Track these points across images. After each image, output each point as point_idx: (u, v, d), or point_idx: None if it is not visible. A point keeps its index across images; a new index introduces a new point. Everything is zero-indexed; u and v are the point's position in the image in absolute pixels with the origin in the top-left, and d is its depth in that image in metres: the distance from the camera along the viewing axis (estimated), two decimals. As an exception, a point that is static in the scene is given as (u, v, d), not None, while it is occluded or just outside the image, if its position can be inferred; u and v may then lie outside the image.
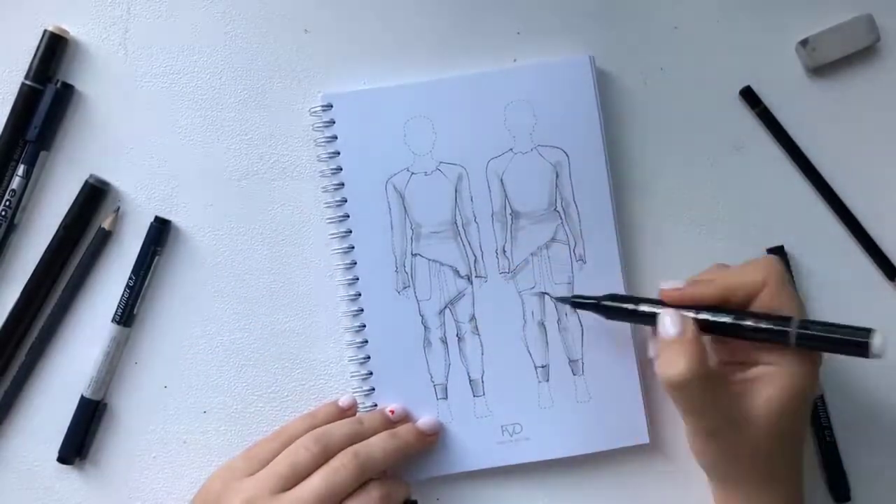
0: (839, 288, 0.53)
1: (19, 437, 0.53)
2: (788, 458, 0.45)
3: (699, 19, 0.54)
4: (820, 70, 0.53)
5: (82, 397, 0.52)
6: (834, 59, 0.53)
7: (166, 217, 0.52)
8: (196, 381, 0.53)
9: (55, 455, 0.52)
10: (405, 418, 0.51)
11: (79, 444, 0.52)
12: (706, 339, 0.45)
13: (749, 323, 0.43)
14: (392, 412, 0.51)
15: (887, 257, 0.53)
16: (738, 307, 0.44)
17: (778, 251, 0.53)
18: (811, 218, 0.53)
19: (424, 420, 0.51)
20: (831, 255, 0.53)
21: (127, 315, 0.52)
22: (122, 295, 0.52)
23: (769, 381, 0.43)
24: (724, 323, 0.44)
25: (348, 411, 0.51)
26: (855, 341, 0.41)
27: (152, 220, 0.52)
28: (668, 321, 0.44)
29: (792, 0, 0.54)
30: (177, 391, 0.52)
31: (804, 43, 0.53)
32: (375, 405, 0.51)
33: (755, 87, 0.53)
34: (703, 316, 0.44)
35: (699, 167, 0.53)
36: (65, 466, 0.52)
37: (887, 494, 0.52)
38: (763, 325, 0.43)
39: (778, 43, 0.54)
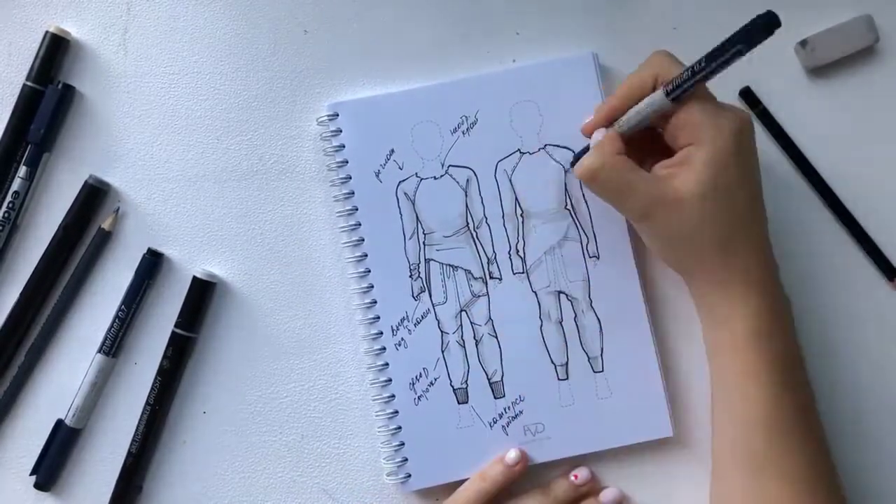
0: (839, 288, 0.53)
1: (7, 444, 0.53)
2: (740, 233, 0.45)
3: (699, 19, 0.54)
4: (819, 70, 0.53)
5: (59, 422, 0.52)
6: (833, 60, 0.53)
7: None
8: (201, 385, 0.53)
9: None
10: (591, 481, 0.51)
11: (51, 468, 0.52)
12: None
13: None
14: (576, 477, 0.51)
15: (887, 257, 0.53)
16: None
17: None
18: (811, 218, 0.53)
19: (608, 491, 0.51)
20: (831, 255, 0.53)
21: (116, 346, 0.51)
22: (111, 326, 0.51)
23: (688, 161, 0.44)
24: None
25: (515, 467, 0.50)
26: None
27: (145, 252, 0.52)
28: (594, 137, 0.48)
29: (792, 0, 0.54)
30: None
31: (803, 43, 0.53)
32: (396, 412, 0.51)
33: (755, 88, 0.53)
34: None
35: (699, 167, 0.53)
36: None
37: (887, 494, 0.53)
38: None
39: (777, 43, 0.53)
